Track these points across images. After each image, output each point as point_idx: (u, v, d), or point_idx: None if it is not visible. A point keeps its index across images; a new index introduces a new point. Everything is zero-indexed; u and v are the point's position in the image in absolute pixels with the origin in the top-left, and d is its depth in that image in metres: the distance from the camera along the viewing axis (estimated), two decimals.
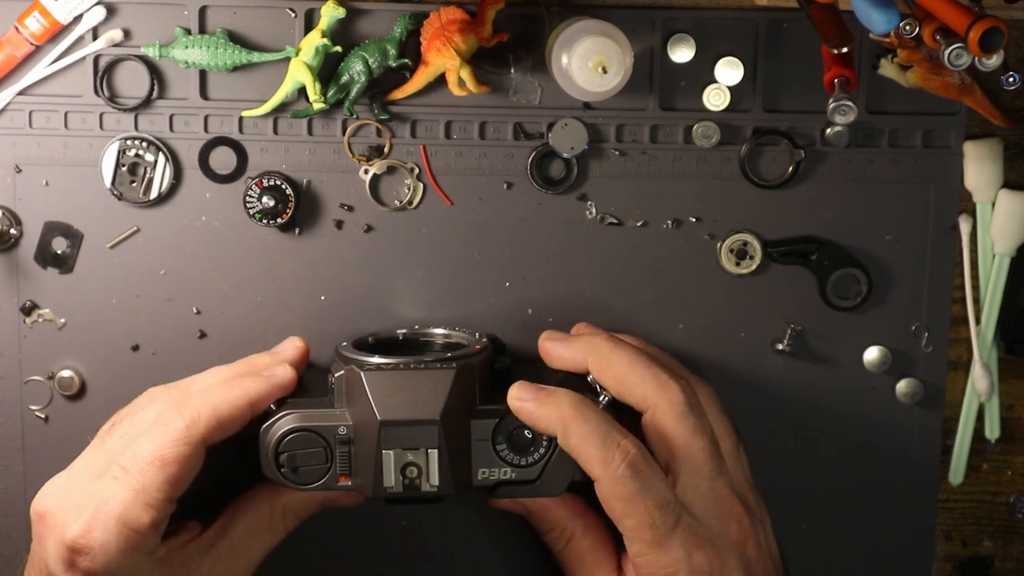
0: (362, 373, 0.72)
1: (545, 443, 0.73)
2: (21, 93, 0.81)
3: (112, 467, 0.71)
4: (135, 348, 0.84)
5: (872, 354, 0.85)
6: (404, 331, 0.82)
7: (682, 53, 0.82)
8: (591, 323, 0.84)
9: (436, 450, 0.70)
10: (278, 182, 0.82)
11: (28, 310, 0.83)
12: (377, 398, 0.71)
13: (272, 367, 0.77)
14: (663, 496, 0.70)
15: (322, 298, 0.84)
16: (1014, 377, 0.87)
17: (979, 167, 0.83)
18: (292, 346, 0.80)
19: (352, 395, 0.72)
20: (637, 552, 0.71)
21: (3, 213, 0.82)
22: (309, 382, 0.79)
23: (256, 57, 0.80)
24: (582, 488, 0.74)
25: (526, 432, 0.73)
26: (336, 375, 0.74)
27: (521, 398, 0.73)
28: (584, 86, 0.75)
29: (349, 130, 0.82)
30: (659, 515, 0.70)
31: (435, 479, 0.71)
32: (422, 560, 0.86)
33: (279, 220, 0.82)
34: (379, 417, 0.70)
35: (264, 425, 0.74)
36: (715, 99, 0.82)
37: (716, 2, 0.82)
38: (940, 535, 0.88)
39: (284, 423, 0.73)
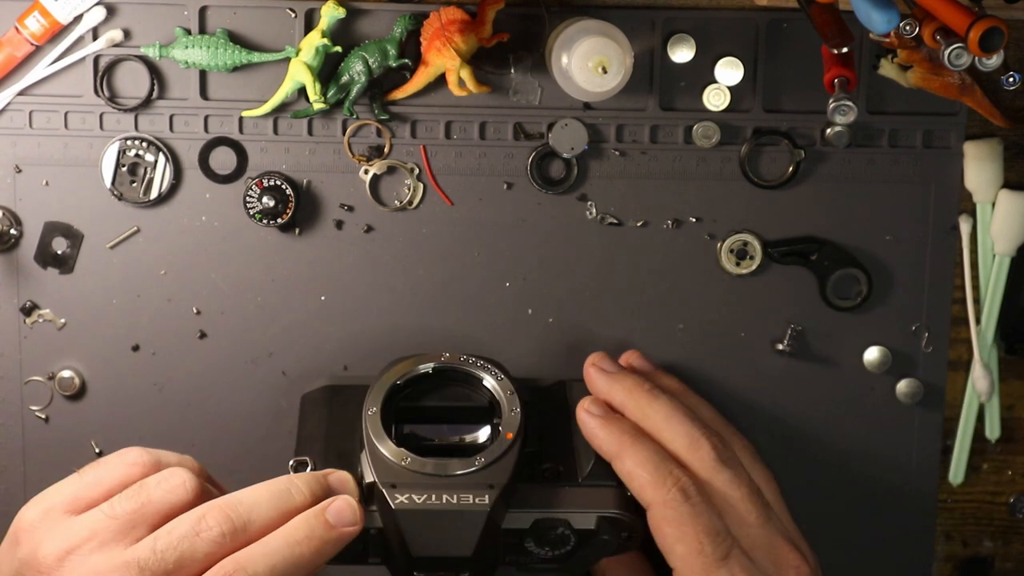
0: (394, 509, 0.69)
1: (573, 543, 0.72)
2: (21, 93, 0.81)
3: None
4: (135, 348, 0.84)
5: (872, 354, 0.85)
6: (433, 364, 0.76)
7: (682, 53, 0.82)
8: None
9: (467, 573, 0.70)
10: (278, 182, 0.82)
11: (28, 310, 0.83)
12: (410, 534, 0.69)
13: (336, 510, 0.68)
14: (714, 525, 0.69)
15: (322, 298, 0.84)
16: (1014, 377, 0.87)
17: (979, 167, 0.83)
18: (339, 480, 0.71)
19: (384, 518, 0.70)
20: None
21: (3, 213, 0.82)
22: (335, 421, 0.77)
23: (256, 57, 0.80)
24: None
25: (556, 532, 0.72)
26: (365, 482, 0.71)
27: (590, 412, 0.73)
28: (584, 86, 0.75)
29: (349, 130, 0.82)
30: (709, 542, 0.68)
31: None
32: None
33: (279, 220, 0.82)
34: (412, 553, 0.69)
35: None
36: (715, 99, 0.82)
37: (716, 2, 0.82)
38: (940, 535, 0.88)
39: None
